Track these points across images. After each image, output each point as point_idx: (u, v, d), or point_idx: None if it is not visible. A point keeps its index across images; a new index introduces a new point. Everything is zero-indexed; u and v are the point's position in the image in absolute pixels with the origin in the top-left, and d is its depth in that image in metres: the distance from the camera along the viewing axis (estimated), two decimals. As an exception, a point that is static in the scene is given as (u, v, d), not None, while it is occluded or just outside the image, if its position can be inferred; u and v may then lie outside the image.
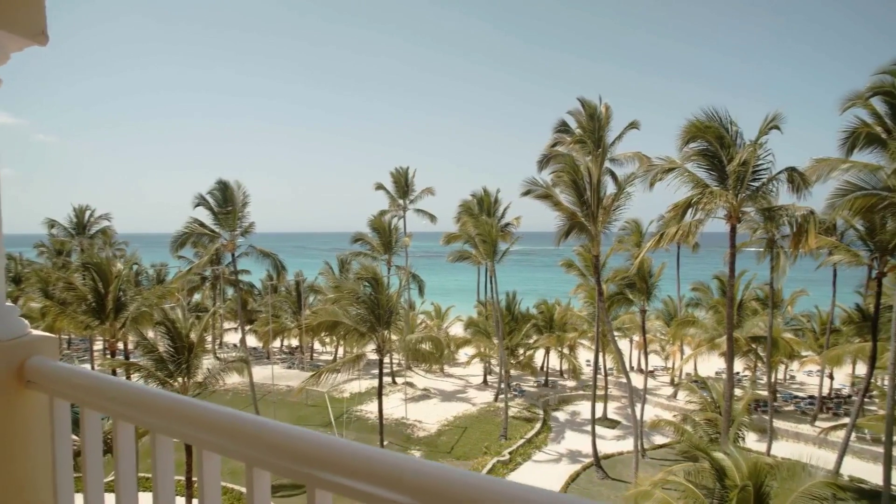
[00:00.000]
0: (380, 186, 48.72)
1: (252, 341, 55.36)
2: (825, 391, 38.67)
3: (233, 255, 30.17)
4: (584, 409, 38.12)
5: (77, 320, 21.99)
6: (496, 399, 40.09)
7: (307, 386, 21.18)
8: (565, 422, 36.09)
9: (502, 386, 37.93)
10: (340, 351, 51.21)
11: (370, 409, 37.19)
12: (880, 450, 28.42)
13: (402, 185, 48.06)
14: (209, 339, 55.51)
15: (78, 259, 38.58)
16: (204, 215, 29.78)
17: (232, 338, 63.10)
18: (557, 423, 35.66)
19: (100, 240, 53.22)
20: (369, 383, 42.89)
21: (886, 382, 31.52)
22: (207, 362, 21.65)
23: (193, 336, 19.87)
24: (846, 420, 30.77)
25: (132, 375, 22.67)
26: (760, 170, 16.53)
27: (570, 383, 45.46)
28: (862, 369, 40.07)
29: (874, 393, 30.42)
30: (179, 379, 19.60)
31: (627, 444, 31.47)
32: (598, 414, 33.99)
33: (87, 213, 52.53)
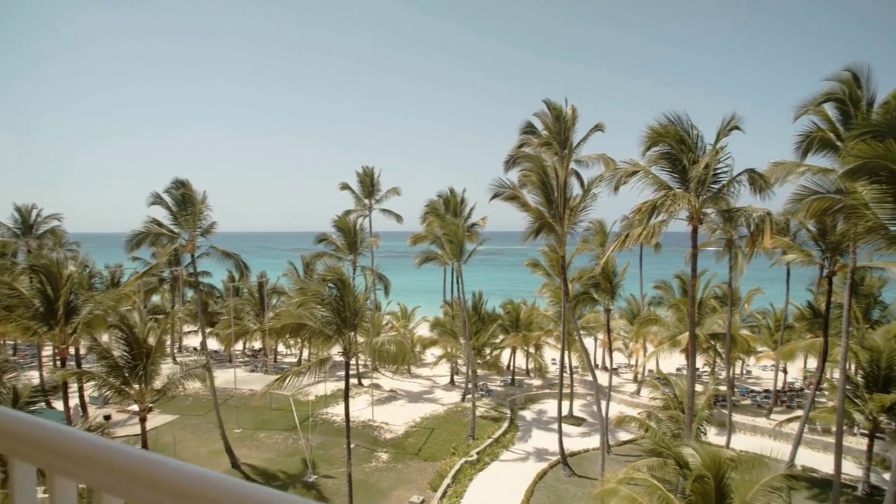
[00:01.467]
0: (345, 186, 48.08)
1: (213, 344, 53.86)
2: (779, 385, 40.14)
3: (192, 255, 29.19)
4: (550, 407, 38.50)
5: (22, 326, 20.79)
6: (463, 399, 40.11)
7: (271, 390, 20.62)
8: (532, 420, 36.37)
9: (469, 386, 37.95)
10: (305, 353, 50.35)
11: (336, 411, 36.67)
12: (831, 440, 29.67)
13: (368, 184, 47.55)
14: (168, 342, 53.75)
15: (25, 261, 36.65)
16: (162, 215, 28.77)
17: (192, 341, 61.32)
18: (524, 422, 35.90)
19: (50, 240, 50.74)
20: (335, 385, 42.28)
21: (837, 376, 32.95)
22: (166, 367, 20.83)
23: (151, 340, 19.10)
24: (799, 412, 32.00)
25: (85, 383, 21.70)
26: (720, 172, 17.00)
27: (537, 382, 45.88)
28: (813, 363, 41.82)
29: (825, 386, 31.69)
30: (136, 386, 18.82)
31: (593, 441, 31.93)
32: (565, 412, 34.37)
33: (34, 213, 49.99)
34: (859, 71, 17.48)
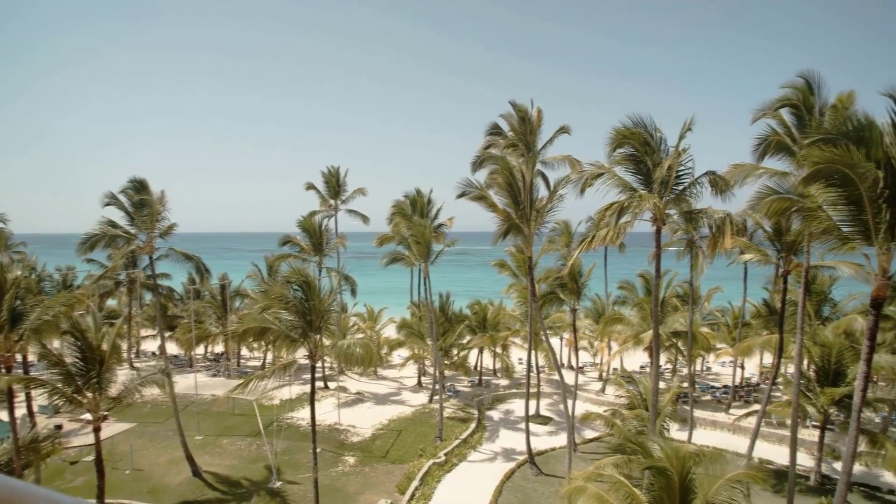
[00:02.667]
0: (310, 186, 47.30)
1: (173, 349, 52.23)
2: (738, 381, 41.44)
3: (151, 257, 28.14)
4: (517, 406, 38.77)
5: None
6: (431, 400, 39.99)
7: (234, 394, 20.06)
8: (499, 420, 36.51)
9: (437, 387, 37.86)
10: (270, 356, 49.33)
11: (302, 415, 36.02)
12: (785, 433, 30.82)
13: (334, 184, 46.89)
14: (124, 347, 51.82)
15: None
16: (118, 216, 27.65)
17: (151, 346, 59.30)
18: (492, 422, 36.02)
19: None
20: (300, 389, 41.56)
21: (791, 371, 34.17)
22: (123, 374, 19.98)
23: (106, 346, 18.27)
24: (757, 407, 33.12)
25: (32, 392, 20.64)
26: (683, 174, 17.39)
27: (504, 382, 46.14)
28: (769, 359, 43.33)
29: (780, 381, 32.83)
30: (89, 394, 17.97)
31: (560, 440, 32.26)
32: (532, 411, 34.63)
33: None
34: (812, 78, 18.17)
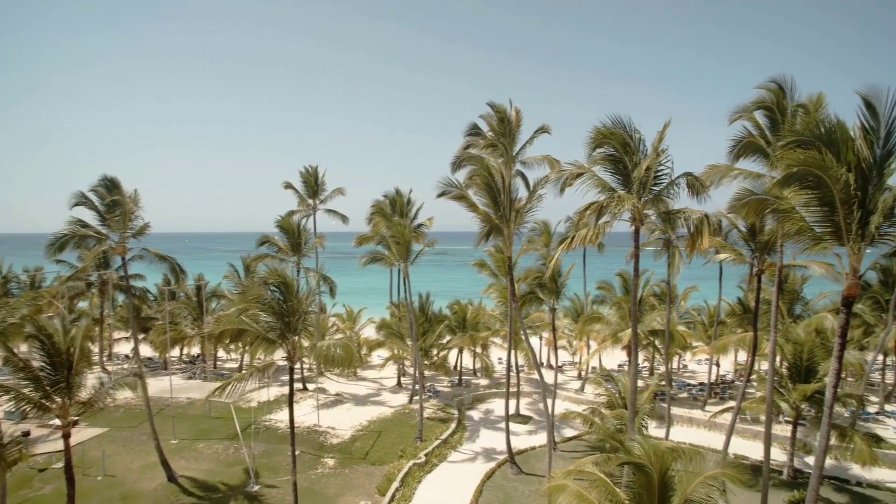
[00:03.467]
0: (288, 185, 46.69)
1: (147, 351, 51.10)
2: (713, 378, 42.17)
3: (123, 258, 27.43)
4: (497, 406, 38.86)
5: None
6: (411, 401, 39.86)
7: (212, 398, 19.65)
8: (480, 420, 36.56)
9: (416, 387, 37.74)
10: (247, 358, 48.61)
11: (280, 417, 35.58)
12: (760, 428, 31.49)
13: (312, 184, 46.35)
14: (95, 350, 50.57)
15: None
16: (89, 216, 26.88)
17: (124, 348, 57.98)
18: (472, 422, 36.03)
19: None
20: (278, 391, 41.06)
21: (765, 367, 34.88)
22: (94, 377, 19.38)
23: (74, 349, 17.73)
24: (732, 403, 33.71)
25: None
26: (661, 174, 17.60)
27: (483, 382, 46.23)
28: (744, 357, 44.21)
29: (754, 378, 33.50)
30: (58, 399, 17.43)
31: (540, 439, 32.42)
32: (511, 410, 34.73)
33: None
34: (784, 81, 18.57)
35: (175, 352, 53.21)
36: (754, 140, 18.94)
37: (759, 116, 19.14)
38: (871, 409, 36.80)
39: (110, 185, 26.20)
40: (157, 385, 41.29)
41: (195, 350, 53.75)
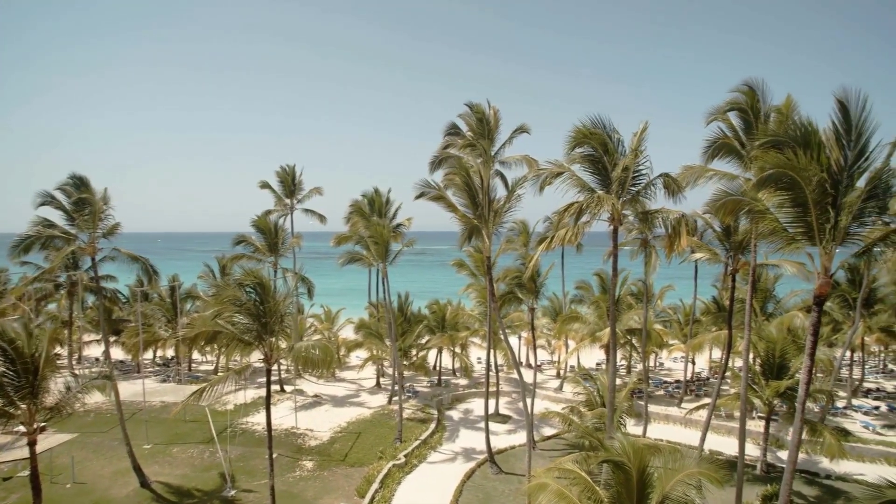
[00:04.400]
0: (265, 185, 46.02)
1: (119, 354, 49.89)
2: (689, 375, 42.85)
3: (93, 259, 26.65)
4: (476, 406, 38.90)
5: None
6: (390, 401, 39.65)
7: (189, 402, 19.20)
8: (459, 420, 36.54)
9: (396, 388, 37.54)
10: (223, 360, 47.78)
11: (257, 420, 35.05)
12: (734, 424, 32.09)
13: (289, 183, 45.76)
14: (64, 353, 49.19)
15: None
16: (57, 215, 26.03)
17: (95, 351, 56.46)
18: (452, 422, 36.00)
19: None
20: (256, 393, 40.46)
21: (739, 364, 35.53)
22: (62, 381, 18.73)
23: (40, 353, 17.11)
24: (707, 400, 34.32)
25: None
26: (639, 175, 17.78)
27: (463, 381, 46.22)
28: (718, 354, 45.00)
29: (728, 375, 34.10)
30: (23, 405, 16.81)
31: (519, 438, 32.54)
32: (491, 410, 34.79)
33: None
34: (757, 84, 18.90)
35: (148, 354, 52.06)
36: (729, 141, 19.26)
37: (734, 118, 19.46)
38: (840, 403, 37.83)
39: (78, 184, 25.43)
40: (130, 388, 40.33)
41: (169, 352, 52.63)
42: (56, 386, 18.13)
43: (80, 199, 24.87)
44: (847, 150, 13.18)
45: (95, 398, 27.50)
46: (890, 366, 52.31)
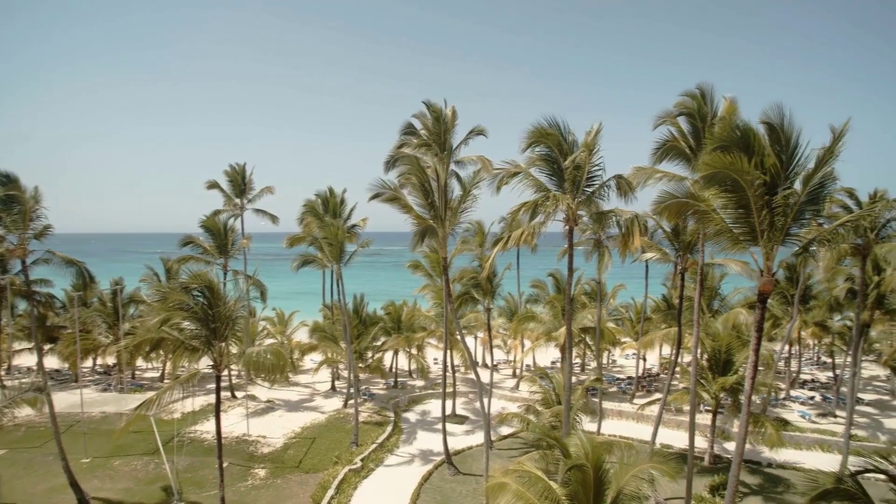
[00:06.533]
0: (213, 185, 44.30)
1: (55, 363, 47.02)
2: (640, 372, 44.06)
3: (24, 262, 24.92)
4: (433, 407, 38.73)
5: None
6: (345, 405, 39.00)
7: (126, 411, 18.21)
8: (416, 422, 36.29)
9: (351, 391, 36.94)
10: (169, 366, 45.76)
11: (206, 428, 33.74)
12: (683, 418, 33.16)
13: (239, 182, 44.24)
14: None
15: None
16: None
17: (27, 360, 52.97)
18: (408, 424, 35.72)
19: None
20: (205, 400, 38.98)
21: (688, 360, 36.77)
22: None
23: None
24: (658, 396, 35.34)
25: None
26: (594, 176, 18.08)
27: (420, 383, 45.98)
28: (668, 350, 46.48)
29: (678, 371, 35.24)
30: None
31: (476, 438, 32.61)
32: (448, 411, 34.70)
33: None
34: (706, 89, 19.57)
35: (88, 362, 49.28)
36: (677, 144, 19.84)
37: (682, 122, 20.06)
38: (779, 394, 39.75)
39: (5, 181, 23.67)
40: (67, 399, 38.12)
41: (111, 360, 49.98)
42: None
43: (8, 195, 23.17)
44: (783, 154, 13.78)
45: (26, 411, 25.84)
46: (823, 358, 55.41)
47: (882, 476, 12.67)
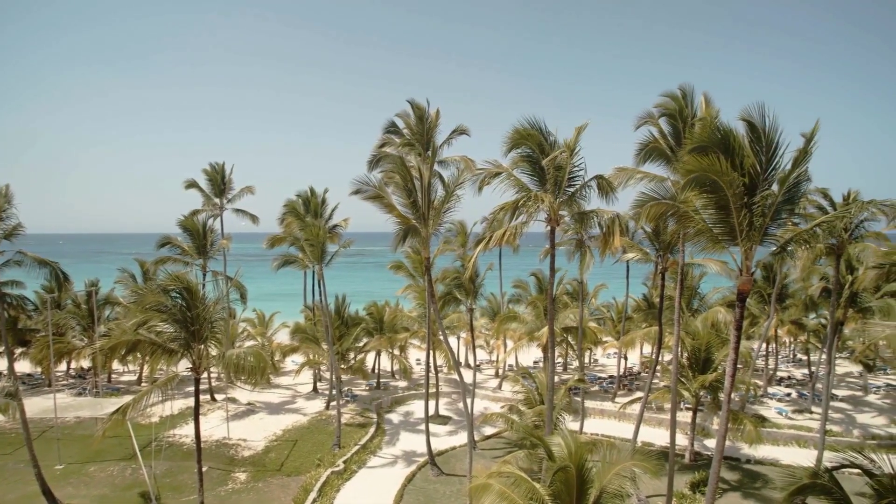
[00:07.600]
0: (192, 184, 43.58)
1: (27, 367, 45.85)
2: (622, 371, 44.47)
3: (-7, 263, 24.26)
4: (416, 408, 38.60)
5: None
6: (328, 407, 38.67)
7: (103, 415, 17.78)
8: (399, 423, 36.13)
9: (334, 392, 36.64)
10: (147, 369, 44.89)
11: (185, 432, 33.15)
12: (664, 416, 33.52)
13: (219, 182, 43.60)
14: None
15: None
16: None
17: (-2, 364, 51.59)
18: (391, 425, 35.54)
19: None
20: (183, 403, 38.28)
21: (669, 358, 37.20)
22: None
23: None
24: (639, 394, 35.67)
25: None
26: (575, 176, 18.18)
27: (402, 384, 45.80)
28: (649, 349, 46.96)
29: (659, 369, 35.66)
30: None
31: (460, 439, 32.56)
32: (431, 411, 34.60)
33: None
34: (687, 90, 19.81)
35: (62, 366, 48.11)
36: (658, 145, 20.04)
37: (663, 123, 20.27)
38: (757, 392, 40.45)
39: (-24, 181, 23.04)
40: (40, 404, 37.16)
41: (85, 363, 48.86)
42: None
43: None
44: (762, 155, 13.98)
45: (-2, 417, 25.08)
46: (799, 355, 56.56)
47: (856, 470, 12.94)
